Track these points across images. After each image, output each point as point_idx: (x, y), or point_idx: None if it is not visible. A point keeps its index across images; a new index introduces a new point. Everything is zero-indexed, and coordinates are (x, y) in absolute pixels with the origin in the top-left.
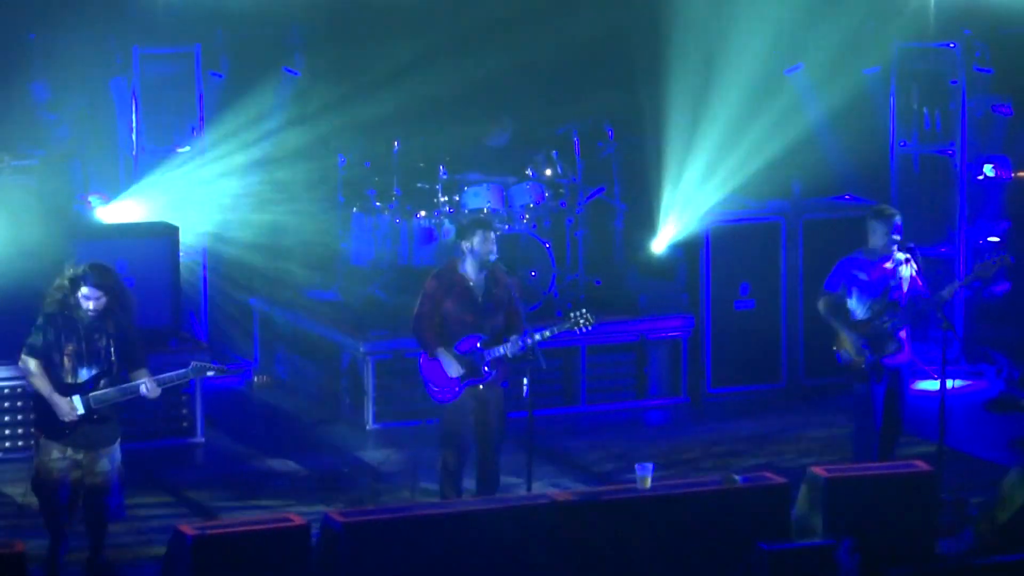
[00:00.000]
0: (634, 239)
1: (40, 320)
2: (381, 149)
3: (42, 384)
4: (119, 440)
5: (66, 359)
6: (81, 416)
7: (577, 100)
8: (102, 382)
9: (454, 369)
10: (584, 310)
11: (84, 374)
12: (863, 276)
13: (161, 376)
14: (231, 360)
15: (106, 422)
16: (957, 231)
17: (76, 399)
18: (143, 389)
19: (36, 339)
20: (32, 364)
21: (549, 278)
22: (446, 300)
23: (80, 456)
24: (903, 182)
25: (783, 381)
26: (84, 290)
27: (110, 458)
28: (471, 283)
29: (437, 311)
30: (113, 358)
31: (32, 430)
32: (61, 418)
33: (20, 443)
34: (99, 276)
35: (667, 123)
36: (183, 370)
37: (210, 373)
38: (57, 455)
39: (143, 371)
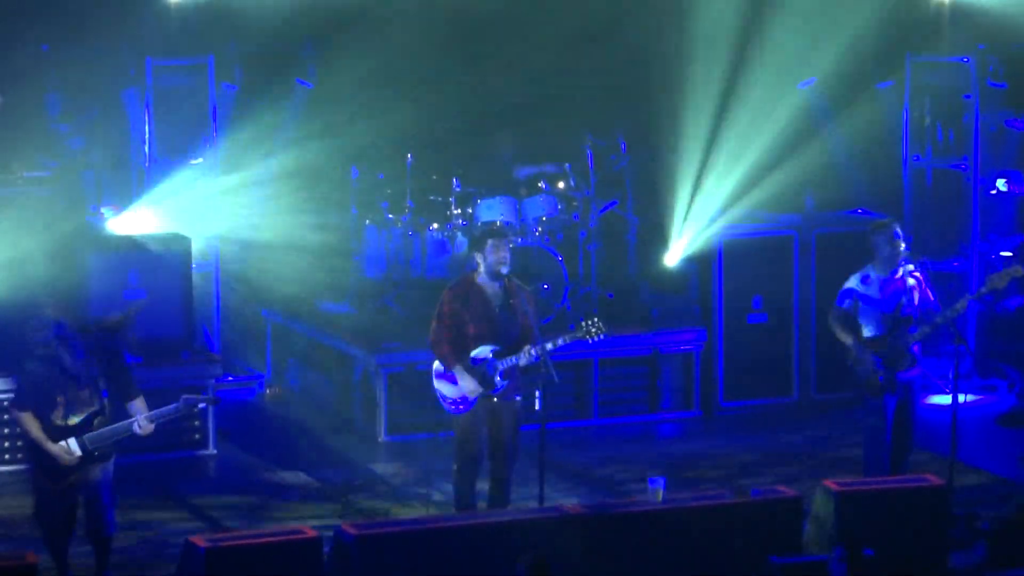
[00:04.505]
0: (647, 252)
1: (24, 375)
2: (394, 161)
3: (37, 434)
4: (113, 458)
5: (58, 408)
6: (80, 457)
7: (591, 113)
8: (96, 421)
9: (468, 385)
10: (596, 319)
11: (75, 419)
12: (874, 292)
13: (153, 413)
14: (244, 372)
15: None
16: (970, 245)
17: (71, 441)
18: (136, 428)
19: (22, 393)
20: (24, 417)
21: (562, 291)
22: (463, 311)
23: (73, 478)
24: (916, 196)
25: (795, 395)
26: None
27: (102, 470)
28: (487, 294)
29: (454, 323)
30: (104, 398)
31: (27, 464)
32: (61, 463)
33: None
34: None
35: (680, 136)
36: (175, 405)
37: (201, 405)
38: (54, 487)
39: (139, 400)
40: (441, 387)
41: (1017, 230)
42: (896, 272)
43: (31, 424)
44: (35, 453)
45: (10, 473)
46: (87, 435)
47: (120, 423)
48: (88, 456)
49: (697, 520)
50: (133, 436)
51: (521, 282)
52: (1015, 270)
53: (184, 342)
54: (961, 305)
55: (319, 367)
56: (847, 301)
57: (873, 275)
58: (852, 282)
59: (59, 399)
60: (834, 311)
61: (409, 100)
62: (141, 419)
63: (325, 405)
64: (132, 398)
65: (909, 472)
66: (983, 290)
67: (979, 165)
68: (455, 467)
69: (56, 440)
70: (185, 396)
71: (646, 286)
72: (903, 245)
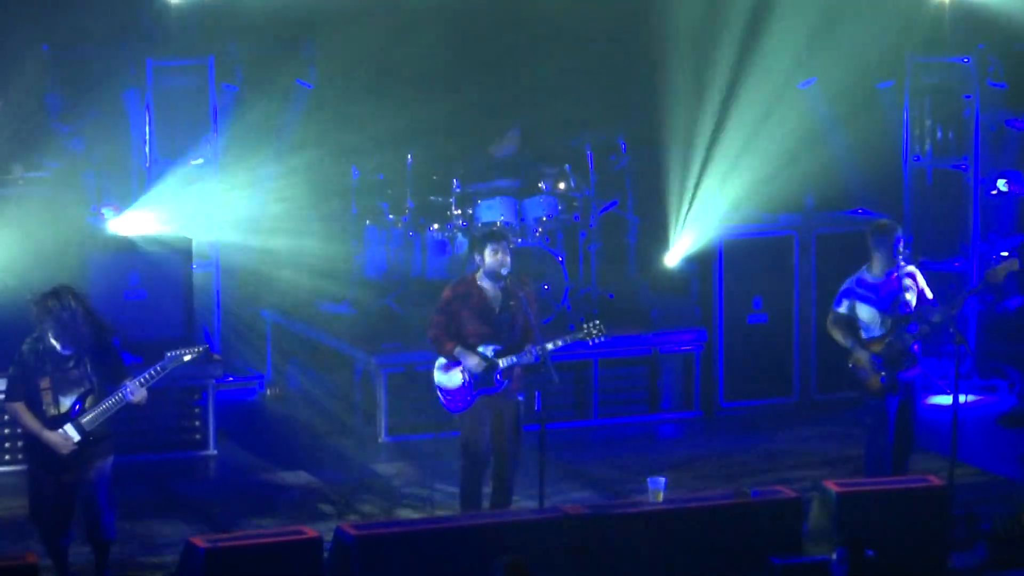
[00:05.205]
0: (647, 252)
1: (11, 367)
2: (394, 162)
3: (32, 424)
4: (111, 458)
5: (45, 393)
6: (78, 443)
7: (591, 113)
8: (87, 402)
9: (471, 361)
10: (596, 321)
11: (66, 402)
12: (872, 293)
13: (140, 376)
14: (244, 372)
15: (100, 441)
16: (970, 245)
17: (68, 428)
18: (128, 393)
19: (12, 385)
20: (16, 408)
21: (562, 291)
22: (463, 310)
23: (72, 477)
24: (916, 196)
25: (795, 395)
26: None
27: (98, 472)
28: (488, 295)
29: (452, 321)
30: (93, 377)
31: (24, 463)
32: (58, 452)
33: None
34: (65, 296)
35: (680, 136)
36: (160, 363)
37: (187, 358)
38: (51, 483)
39: (128, 379)
40: (442, 383)
41: (1017, 230)
42: (894, 272)
43: (24, 414)
44: (33, 449)
45: (10, 473)
46: (82, 418)
47: (111, 395)
48: (86, 441)
49: (697, 520)
50: (130, 408)
51: (522, 281)
52: (1012, 263)
53: (184, 342)
54: (959, 301)
55: (319, 367)
56: (844, 303)
57: (871, 276)
58: (849, 284)
59: (43, 383)
60: (832, 314)
61: (409, 100)
62: (132, 385)
63: (325, 405)
64: (121, 379)
65: (909, 472)
66: (980, 285)
67: (979, 165)
68: (461, 467)
69: (52, 430)
70: (169, 352)
71: (646, 286)
72: (902, 245)
